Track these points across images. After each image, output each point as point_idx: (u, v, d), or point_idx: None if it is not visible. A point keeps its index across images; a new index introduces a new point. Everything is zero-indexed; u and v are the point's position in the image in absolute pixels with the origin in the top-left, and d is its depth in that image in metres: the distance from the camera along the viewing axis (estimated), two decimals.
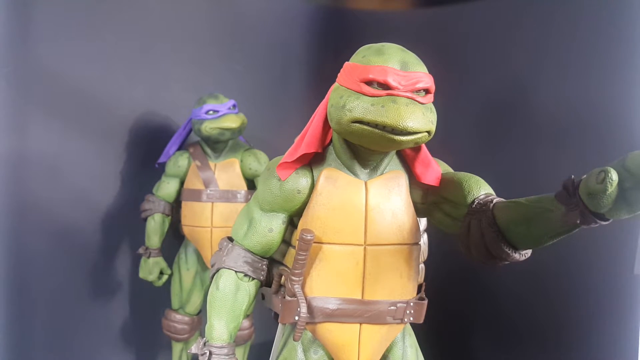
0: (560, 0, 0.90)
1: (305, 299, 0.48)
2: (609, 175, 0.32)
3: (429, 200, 0.50)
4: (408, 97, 0.43)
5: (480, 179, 0.48)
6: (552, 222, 0.38)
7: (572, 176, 0.36)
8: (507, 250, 0.43)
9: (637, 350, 0.78)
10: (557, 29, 0.90)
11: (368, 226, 0.48)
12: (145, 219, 0.97)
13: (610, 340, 0.82)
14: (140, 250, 0.97)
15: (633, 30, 0.80)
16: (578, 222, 0.36)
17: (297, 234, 0.50)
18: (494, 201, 0.45)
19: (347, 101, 0.44)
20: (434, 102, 0.46)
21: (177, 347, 1.02)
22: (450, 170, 0.53)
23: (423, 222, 0.54)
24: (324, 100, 0.49)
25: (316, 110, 0.50)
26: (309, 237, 0.46)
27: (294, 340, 0.49)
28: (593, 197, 0.33)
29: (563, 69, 0.89)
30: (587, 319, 0.80)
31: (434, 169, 0.50)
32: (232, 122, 0.91)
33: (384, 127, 0.42)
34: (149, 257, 0.97)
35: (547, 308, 0.88)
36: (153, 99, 1.07)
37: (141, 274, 0.98)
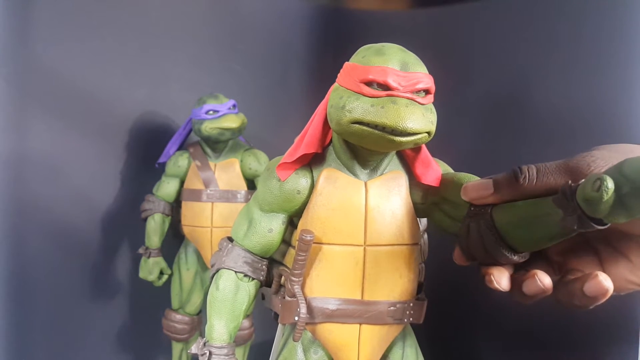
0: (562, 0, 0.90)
1: (305, 300, 0.48)
2: (605, 183, 0.32)
3: (428, 201, 0.50)
4: (408, 98, 0.43)
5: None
6: (551, 225, 0.39)
7: (570, 181, 0.36)
8: (506, 253, 0.43)
9: (637, 350, 0.78)
10: (558, 29, 0.90)
11: (368, 226, 0.48)
12: (145, 219, 0.97)
13: (611, 340, 0.82)
14: (140, 250, 0.98)
15: (638, 29, 0.80)
16: (575, 227, 0.36)
17: (297, 234, 0.50)
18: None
19: (346, 102, 0.44)
20: (434, 103, 0.46)
21: (177, 347, 1.02)
22: (451, 170, 0.53)
23: (423, 222, 0.54)
24: (324, 101, 0.49)
25: (316, 111, 0.50)
26: (308, 238, 0.46)
27: (294, 340, 0.49)
28: (590, 203, 0.33)
29: (565, 69, 0.89)
30: (587, 319, 0.80)
31: (434, 170, 0.50)
32: (232, 122, 0.91)
33: (383, 128, 0.42)
34: (149, 257, 0.97)
35: (547, 308, 0.88)
36: (153, 99, 1.07)
37: (141, 274, 0.98)
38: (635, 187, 0.31)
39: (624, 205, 0.32)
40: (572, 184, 0.36)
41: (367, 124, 0.42)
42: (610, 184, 0.32)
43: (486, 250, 0.44)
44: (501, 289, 0.44)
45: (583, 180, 0.35)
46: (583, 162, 0.39)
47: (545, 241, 0.41)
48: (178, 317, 0.99)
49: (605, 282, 0.39)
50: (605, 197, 0.32)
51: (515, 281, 0.44)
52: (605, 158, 0.38)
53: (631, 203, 0.31)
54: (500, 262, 0.44)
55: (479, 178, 0.48)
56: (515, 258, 0.43)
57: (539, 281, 0.42)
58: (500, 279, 0.44)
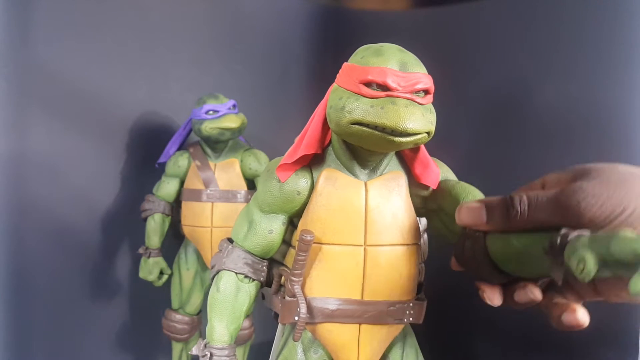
0: (561, 0, 0.90)
1: (305, 300, 0.48)
2: (587, 269, 0.33)
3: (428, 207, 0.51)
4: (407, 98, 0.43)
5: (478, 194, 0.48)
6: (541, 266, 0.39)
7: (558, 238, 0.37)
8: (499, 276, 0.45)
9: (637, 350, 0.78)
10: (558, 29, 0.90)
11: (368, 227, 0.48)
12: (145, 219, 0.97)
13: (610, 340, 0.82)
14: (140, 250, 0.97)
15: (637, 29, 0.80)
16: (562, 279, 0.37)
17: (297, 235, 0.50)
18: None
19: (346, 103, 0.44)
20: (434, 103, 0.46)
21: (177, 347, 1.02)
22: (451, 173, 0.53)
23: (423, 222, 0.54)
24: (323, 101, 0.49)
25: (315, 111, 0.50)
26: (308, 238, 0.46)
27: (294, 340, 0.49)
28: (574, 272, 0.35)
29: (564, 69, 0.89)
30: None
31: (433, 170, 0.50)
32: (232, 122, 0.91)
33: (383, 129, 0.42)
34: (149, 257, 0.97)
35: None
36: (153, 99, 1.07)
37: (141, 274, 0.98)
38: (621, 263, 0.32)
39: (610, 268, 0.33)
40: (560, 241, 0.36)
41: (367, 125, 0.42)
42: (592, 268, 0.33)
43: (480, 273, 0.46)
44: (493, 305, 0.46)
45: (572, 235, 0.36)
46: (574, 199, 0.38)
47: (536, 275, 0.42)
48: (178, 317, 0.99)
49: (582, 318, 0.41)
50: (588, 278, 0.33)
51: (507, 289, 0.46)
52: (596, 195, 0.38)
53: (616, 269, 0.32)
54: (493, 282, 0.46)
55: (476, 192, 0.48)
56: (508, 279, 0.45)
57: (529, 292, 0.44)
58: (493, 296, 0.46)
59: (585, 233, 0.35)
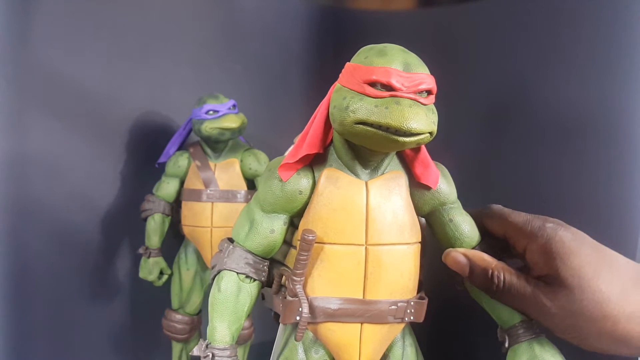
0: (562, 0, 0.90)
1: (307, 299, 0.48)
2: None
3: (426, 219, 0.55)
4: (411, 99, 0.43)
5: (468, 237, 0.54)
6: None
7: (506, 339, 0.54)
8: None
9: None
10: (559, 29, 0.90)
11: (369, 226, 0.49)
12: (145, 219, 0.97)
13: None
14: (140, 250, 0.97)
15: (637, 30, 0.80)
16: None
17: (298, 235, 0.50)
18: None
19: (350, 102, 0.44)
20: (435, 103, 0.46)
21: (177, 347, 1.02)
22: (452, 187, 0.53)
23: (422, 221, 0.54)
24: (324, 100, 0.49)
25: (316, 110, 0.50)
26: (310, 238, 0.46)
27: (296, 340, 0.49)
28: None
29: (566, 69, 0.89)
30: None
31: (433, 170, 0.51)
32: (232, 122, 0.91)
33: (387, 129, 0.42)
34: (149, 257, 0.97)
35: None
36: (153, 99, 1.06)
37: (141, 274, 0.98)
38: None
39: None
40: (508, 343, 0.53)
41: (371, 125, 0.43)
42: None
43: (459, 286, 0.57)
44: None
45: (519, 341, 0.52)
46: (537, 313, 0.49)
47: None
48: (178, 317, 0.99)
49: None
50: None
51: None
52: (555, 322, 0.49)
53: None
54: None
55: (468, 236, 0.53)
56: None
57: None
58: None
59: (535, 342, 0.51)
